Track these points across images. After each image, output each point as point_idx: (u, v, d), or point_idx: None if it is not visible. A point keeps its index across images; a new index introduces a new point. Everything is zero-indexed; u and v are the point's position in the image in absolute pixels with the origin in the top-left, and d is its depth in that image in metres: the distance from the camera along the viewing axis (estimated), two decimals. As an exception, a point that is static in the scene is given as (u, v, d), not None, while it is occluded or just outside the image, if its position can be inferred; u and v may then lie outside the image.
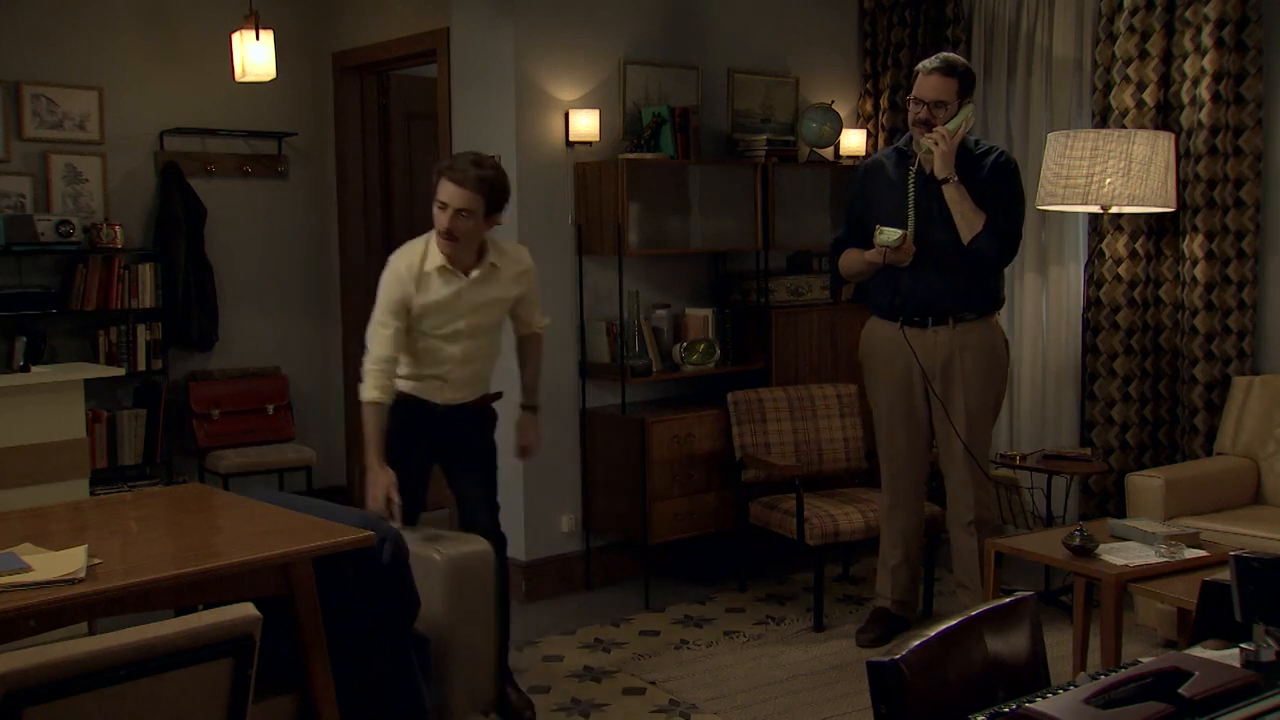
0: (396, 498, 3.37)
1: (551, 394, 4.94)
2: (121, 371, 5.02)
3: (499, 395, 3.83)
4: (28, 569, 2.39)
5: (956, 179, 3.94)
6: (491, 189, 3.46)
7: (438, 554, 3.15)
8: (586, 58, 4.98)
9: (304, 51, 6.04)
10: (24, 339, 5.30)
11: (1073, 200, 4.38)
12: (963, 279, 4.04)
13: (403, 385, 3.59)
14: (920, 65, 4.06)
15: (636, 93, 5.12)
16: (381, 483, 3.39)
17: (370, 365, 3.51)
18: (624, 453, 4.85)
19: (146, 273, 5.59)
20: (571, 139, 4.89)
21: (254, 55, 5.16)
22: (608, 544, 5.06)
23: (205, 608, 2.50)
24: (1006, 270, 5.34)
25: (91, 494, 4.23)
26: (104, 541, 2.66)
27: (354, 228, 6.19)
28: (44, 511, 3.12)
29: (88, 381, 4.28)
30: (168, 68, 5.73)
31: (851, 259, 4.24)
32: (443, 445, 3.69)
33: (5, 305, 5.17)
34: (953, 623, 1.82)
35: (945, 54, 4.10)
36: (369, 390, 3.49)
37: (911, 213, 4.00)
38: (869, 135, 5.71)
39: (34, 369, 4.55)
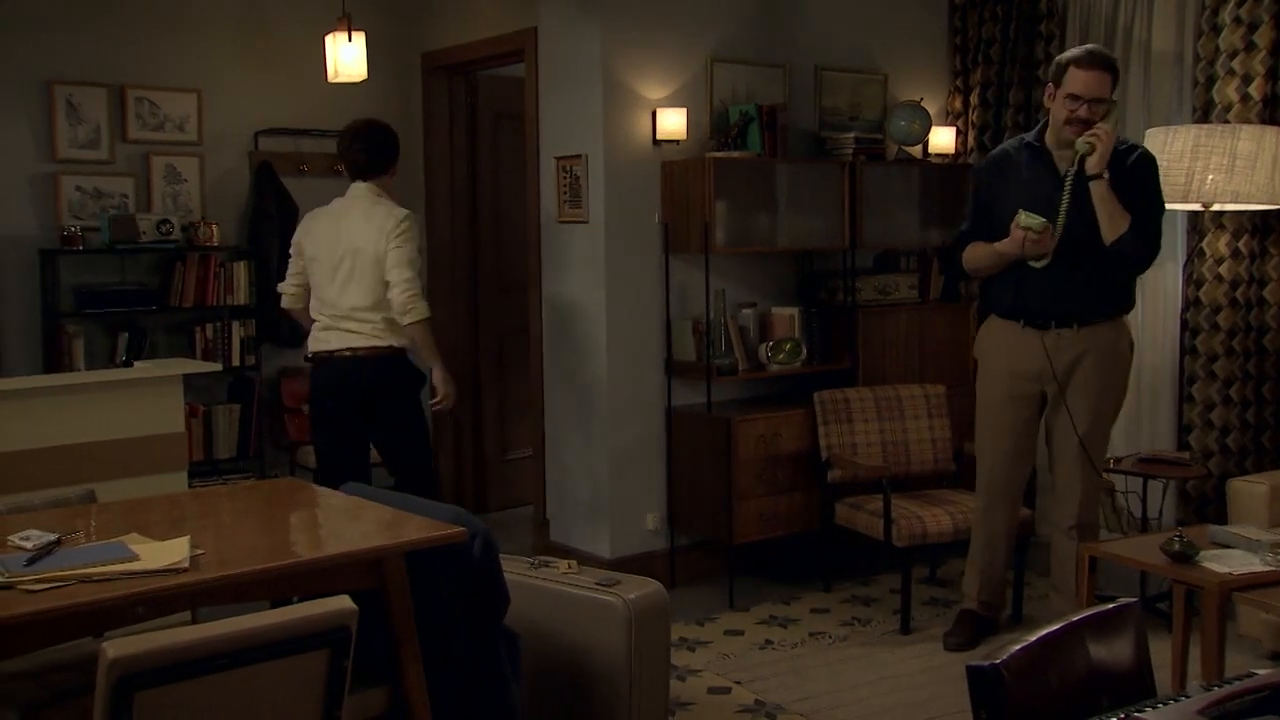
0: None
1: (637, 392, 4.96)
2: (218, 367, 5.14)
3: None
4: (135, 558, 2.45)
5: (1108, 176, 3.81)
6: (382, 145, 4.36)
7: (617, 598, 3.19)
8: (674, 56, 4.98)
9: (394, 52, 6.12)
10: (126, 335, 5.45)
11: (1173, 199, 4.26)
12: (1093, 280, 3.94)
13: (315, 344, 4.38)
14: (1068, 58, 3.86)
15: (724, 91, 5.10)
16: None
17: (283, 286, 4.48)
18: (709, 451, 4.84)
19: (241, 270, 5.71)
20: (659, 137, 4.90)
21: (346, 56, 5.24)
22: (692, 542, 5.06)
23: (299, 600, 2.56)
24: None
25: (189, 486, 4.33)
26: (202, 533, 2.71)
27: (442, 226, 6.26)
28: (145, 503, 3.20)
29: (185, 376, 4.38)
30: (262, 70, 5.85)
31: (979, 252, 4.09)
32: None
33: (109, 302, 5.33)
34: (1054, 628, 1.79)
35: (1094, 48, 3.91)
36: (282, 294, 4.49)
37: (1063, 212, 3.84)
38: (958, 133, 5.63)
39: (135, 364, 4.68)
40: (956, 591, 4.64)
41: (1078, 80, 3.81)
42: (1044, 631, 1.77)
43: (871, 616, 4.61)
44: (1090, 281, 3.94)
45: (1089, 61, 3.80)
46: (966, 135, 5.65)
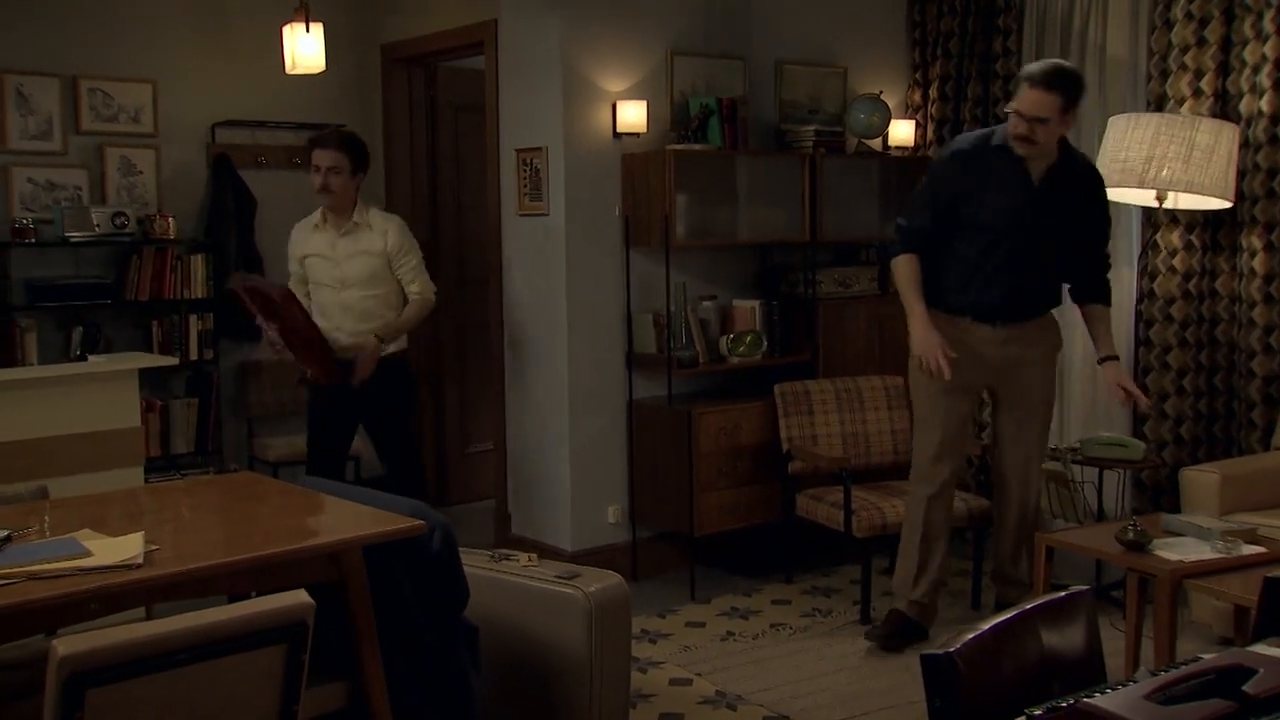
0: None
1: (598, 385, 4.96)
2: (175, 361, 5.10)
3: (402, 353, 4.58)
4: (88, 554, 2.43)
5: (1116, 358, 4.09)
6: (351, 145, 4.40)
7: (578, 591, 3.19)
8: (634, 49, 4.98)
9: (353, 44, 6.08)
10: (80, 329, 5.38)
11: (1128, 183, 4.31)
12: (1047, 282, 4.12)
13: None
14: (1025, 73, 3.87)
15: (684, 84, 5.11)
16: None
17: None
18: (670, 444, 4.85)
19: (198, 263, 5.66)
20: (619, 130, 4.90)
21: (304, 48, 5.20)
22: (654, 535, 5.06)
23: (257, 594, 2.53)
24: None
25: (146, 482, 4.29)
26: (159, 528, 2.69)
27: (401, 218, 6.20)
28: (101, 498, 3.17)
29: (142, 371, 4.34)
30: (219, 61, 5.79)
31: (909, 282, 4.04)
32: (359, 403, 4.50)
33: (63, 295, 5.26)
34: (1007, 616, 1.81)
35: (1053, 63, 3.90)
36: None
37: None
38: (918, 126, 5.66)
39: (90, 358, 4.63)
40: (915, 581, 4.67)
41: (1025, 98, 3.84)
42: (997, 620, 1.78)
43: (832, 607, 4.64)
44: (1046, 283, 4.11)
45: (1038, 81, 3.80)
46: (926, 128, 5.69)
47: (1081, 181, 4.01)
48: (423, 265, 4.54)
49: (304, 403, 4.79)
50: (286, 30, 5.23)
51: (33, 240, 5.20)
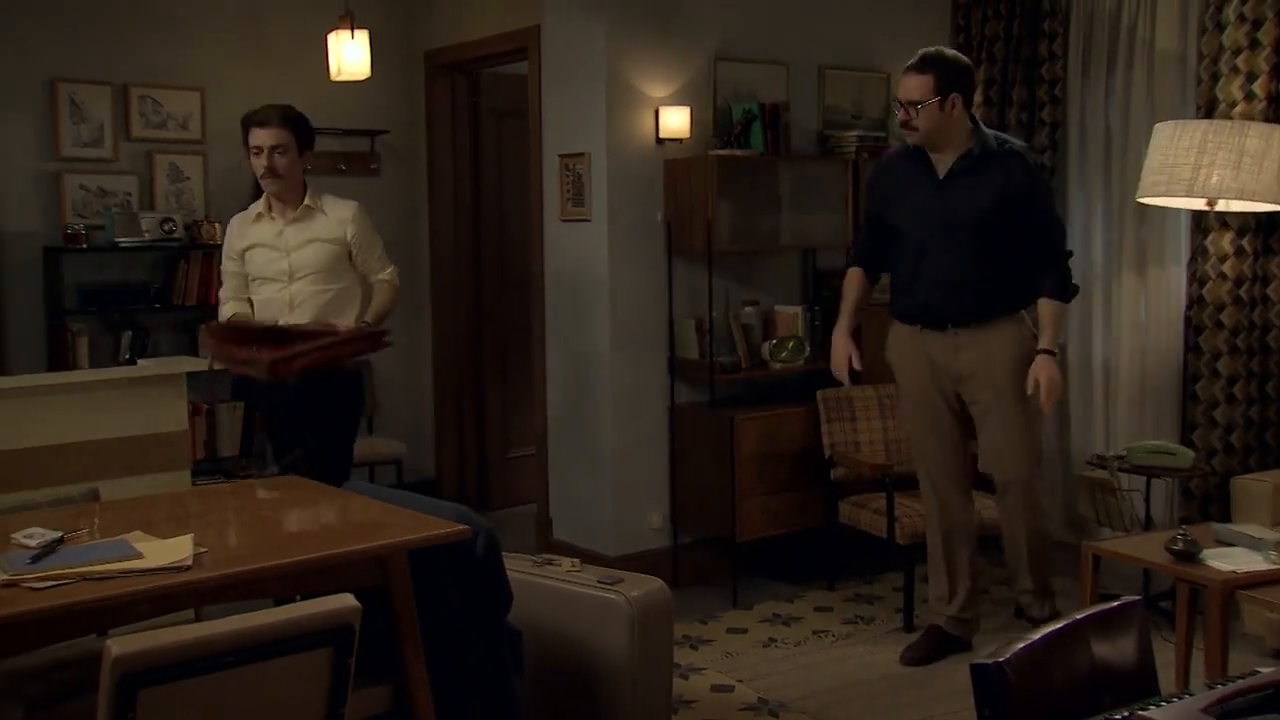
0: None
1: (640, 390, 4.96)
2: (220, 366, 5.13)
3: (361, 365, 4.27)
4: (139, 556, 2.46)
5: (1053, 352, 3.90)
6: (296, 122, 3.95)
7: (620, 596, 3.19)
8: (677, 54, 4.98)
9: (397, 50, 6.13)
10: (129, 333, 5.46)
11: (1176, 192, 4.26)
12: (985, 280, 3.92)
13: None
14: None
15: (727, 89, 5.10)
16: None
17: (222, 301, 4.15)
18: (712, 449, 4.84)
19: (244, 269, 5.70)
20: (662, 135, 4.90)
21: (349, 54, 5.24)
22: (695, 540, 5.05)
23: (302, 598, 2.55)
24: (1100, 270, 5.25)
25: (193, 485, 4.33)
26: (206, 531, 2.71)
27: (444, 224, 6.26)
28: (149, 501, 3.21)
29: (188, 375, 4.38)
30: (265, 68, 5.86)
31: (845, 298, 4.20)
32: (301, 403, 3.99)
33: (112, 300, 5.34)
34: (1058, 626, 1.79)
35: (931, 48, 3.93)
36: (225, 312, 4.11)
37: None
38: (962, 130, 5.62)
39: (139, 363, 4.68)
40: (960, 590, 4.63)
41: (900, 83, 3.90)
42: (1047, 630, 1.77)
43: (875, 615, 4.61)
44: (983, 281, 3.92)
45: (910, 64, 3.87)
46: (970, 133, 5.63)
47: (1000, 170, 3.86)
48: (384, 249, 4.18)
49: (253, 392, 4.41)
50: (331, 37, 5.28)
51: (84, 246, 5.28)
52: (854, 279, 4.21)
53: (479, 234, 6.32)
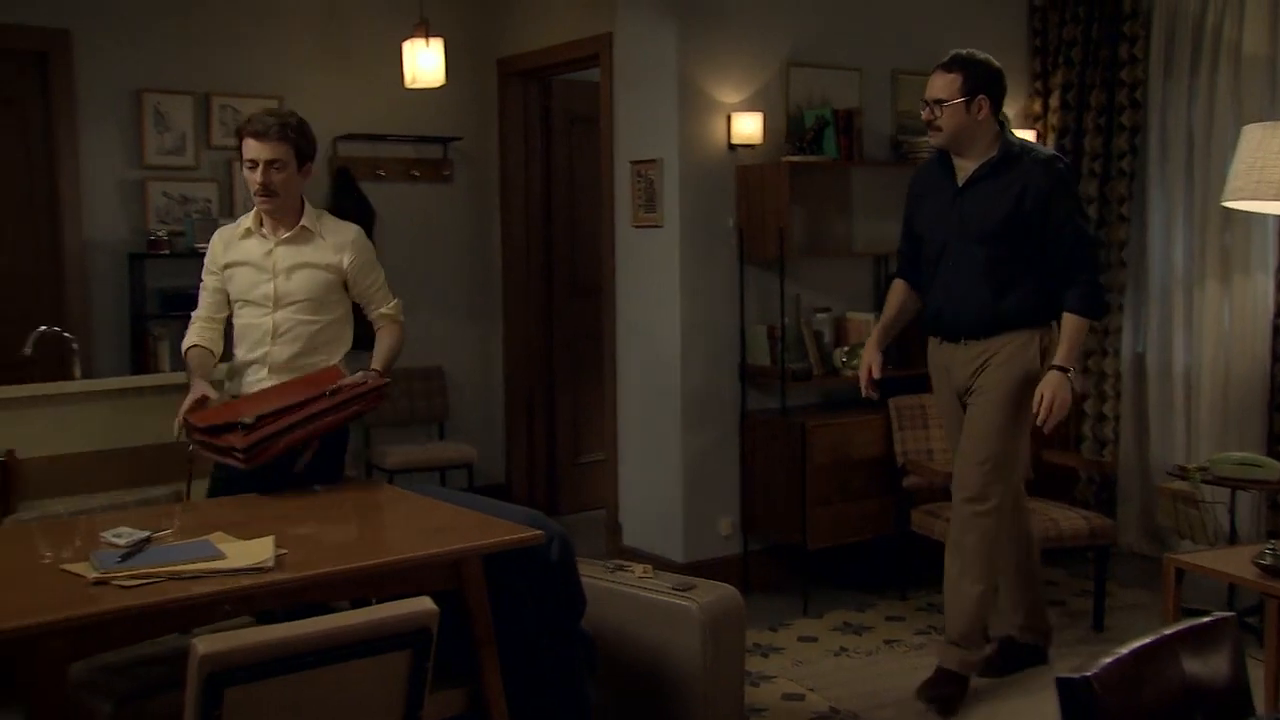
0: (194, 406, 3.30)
1: (711, 396, 4.95)
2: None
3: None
4: (222, 556, 2.50)
5: (1066, 369, 3.66)
6: (297, 134, 3.42)
7: (693, 603, 3.20)
8: (750, 60, 4.97)
9: (470, 57, 6.18)
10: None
11: (1266, 195, 4.16)
12: (997, 293, 3.73)
13: (237, 386, 3.57)
14: None
15: (799, 95, 5.08)
16: (198, 391, 3.35)
17: (191, 325, 3.63)
18: (783, 456, 4.81)
19: (320, 274, 5.79)
20: (734, 142, 4.89)
21: (424, 62, 5.30)
22: (766, 547, 5.03)
23: (377, 600, 2.58)
24: (1180, 276, 5.15)
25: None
26: (285, 532, 2.75)
27: (515, 229, 6.30)
28: (230, 502, 3.26)
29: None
30: (342, 76, 5.94)
31: (885, 305, 4.13)
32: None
33: (193, 305, 5.39)
34: (1147, 640, 1.75)
35: (963, 50, 3.76)
36: (184, 345, 3.61)
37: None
38: (1038, 136, 5.54)
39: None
40: (1035, 601, 4.55)
41: (928, 83, 3.78)
42: (1137, 644, 1.73)
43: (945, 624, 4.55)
44: (996, 291, 3.74)
45: (939, 63, 3.76)
46: (1045, 138, 5.56)
47: (1021, 178, 3.67)
48: (386, 280, 3.67)
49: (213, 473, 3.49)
50: (407, 45, 5.34)
51: (166, 252, 5.39)
52: (895, 290, 4.11)
53: (550, 240, 6.35)
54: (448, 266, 6.30)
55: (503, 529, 2.81)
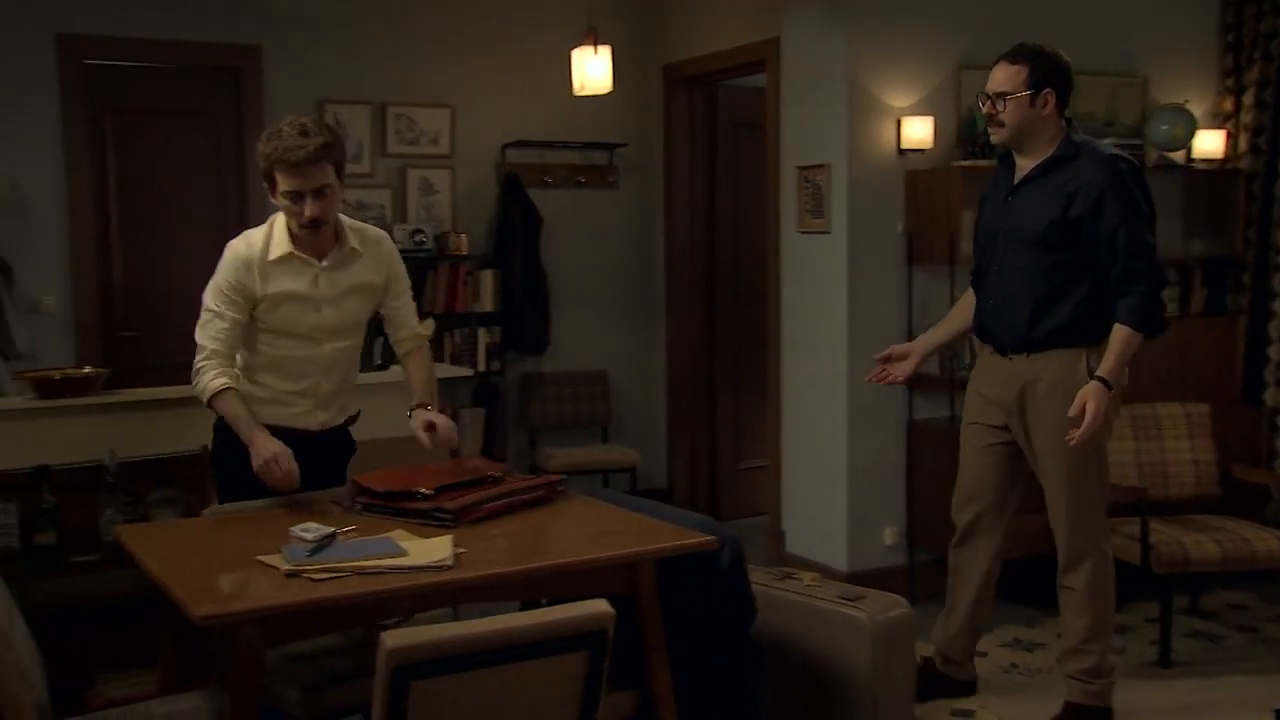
0: (289, 464, 2.90)
1: (878, 404, 4.87)
2: (470, 372, 5.36)
3: (358, 414, 3.40)
4: (405, 554, 2.58)
5: (1109, 384, 3.35)
6: (336, 147, 3.00)
7: (863, 614, 3.18)
8: (921, 63, 4.88)
9: (637, 64, 6.24)
10: (381, 340, 5.71)
11: None
12: (1043, 302, 3.47)
13: (265, 415, 3.10)
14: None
15: (971, 98, 4.94)
16: (270, 449, 2.91)
17: (199, 363, 3.05)
18: (951, 466, 4.66)
19: (487, 279, 5.94)
20: (904, 146, 4.81)
21: (592, 69, 5.37)
22: (932, 558, 4.92)
23: (548, 602, 2.62)
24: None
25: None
26: (459, 532, 2.80)
27: (679, 235, 6.33)
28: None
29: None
30: (511, 85, 6.07)
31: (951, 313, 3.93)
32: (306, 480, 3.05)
33: (367, 308, 5.61)
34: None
35: (1029, 42, 3.56)
36: (210, 383, 3.01)
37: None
38: (1228, 136, 5.29)
39: (392, 367, 4.91)
40: (1223, 624, 4.36)
41: (990, 76, 3.55)
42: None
43: (1124, 645, 4.38)
44: (1042, 301, 3.48)
45: (1002, 55, 3.54)
46: (1238, 138, 5.30)
47: (1075, 178, 3.41)
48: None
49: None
50: (575, 54, 5.42)
51: (343, 256, 5.59)
52: (963, 298, 3.88)
53: (713, 245, 6.36)
54: (612, 272, 6.37)
55: (676, 534, 2.82)
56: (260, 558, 2.55)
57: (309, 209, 2.95)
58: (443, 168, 5.97)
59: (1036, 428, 3.55)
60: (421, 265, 5.81)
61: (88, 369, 4.06)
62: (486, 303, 5.96)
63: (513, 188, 6.03)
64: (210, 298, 3.07)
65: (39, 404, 3.74)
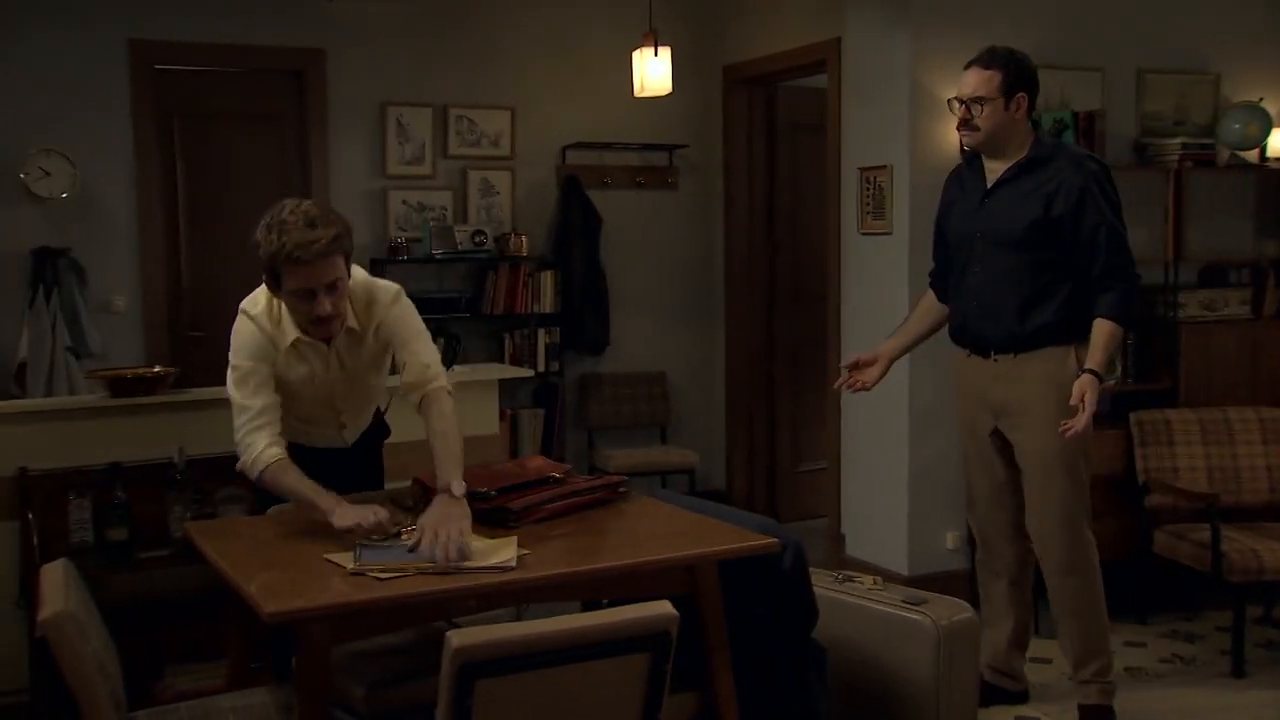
0: (374, 518, 2.71)
1: (940, 407, 4.82)
2: (530, 373, 5.38)
3: (389, 403, 3.42)
4: (470, 554, 2.59)
5: (1099, 375, 3.40)
6: (346, 236, 2.82)
7: (927, 618, 3.16)
8: (985, 62, 4.82)
9: (697, 66, 6.23)
10: (442, 340, 5.76)
11: None
12: (1028, 302, 3.51)
13: (293, 435, 3.04)
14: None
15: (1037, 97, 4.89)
16: (352, 517, 2.71)
17: (249, 424, 2.87)
18: (1015, 471, 4.64)
19: (547, 279, 5.96)
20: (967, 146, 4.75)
21: (652, 71, 5.37)
22: (994, 565, 4.86)
23: (609, 603, 2.61)
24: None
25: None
26: (522, 532, 2.82)
27: (738, 236, 6.31)
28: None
29: (498, 381, 4.59)
30: (571, 87, 6.09)
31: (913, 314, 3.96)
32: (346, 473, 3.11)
33: (429, 309, 5.56)
34: None
35: (999, 46, 3.59)
36: (263, 453, 2.85)
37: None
38: (1300, 137, 5.18)
39: (454, 369, 4.95)
40: (1295, 634, 4.26)
41: (962, 80, 3.57)
42: None
43: (1195, 655, 4.30)
44: (1027, 301, 3.52)
45: (974, 60, 3.56)
46: (1311, 139, 5.18)
47: (1052, 179, 3.46)
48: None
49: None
50: (636, 55, 5.43)
51: (405, 257, 5.65)
52: (923, 301, 3.93)
53: (772, 246, 6.34)
54: (671, 273, 6.37)
55: (739, 536, 2.80)
56: (327, 556, 2.58)
57: (321, 307, 2.79)
58: (503, 169, 6.01)
59: (1028, 426, 3.58)
60: (482, 266, 5.85)
61: (158, 368, 4.14)
62: (546, 304, 5.98)
63: (572, 189, 6.05)
64: (239, 357, 2.94)
65: (111, 402, 3.82)
